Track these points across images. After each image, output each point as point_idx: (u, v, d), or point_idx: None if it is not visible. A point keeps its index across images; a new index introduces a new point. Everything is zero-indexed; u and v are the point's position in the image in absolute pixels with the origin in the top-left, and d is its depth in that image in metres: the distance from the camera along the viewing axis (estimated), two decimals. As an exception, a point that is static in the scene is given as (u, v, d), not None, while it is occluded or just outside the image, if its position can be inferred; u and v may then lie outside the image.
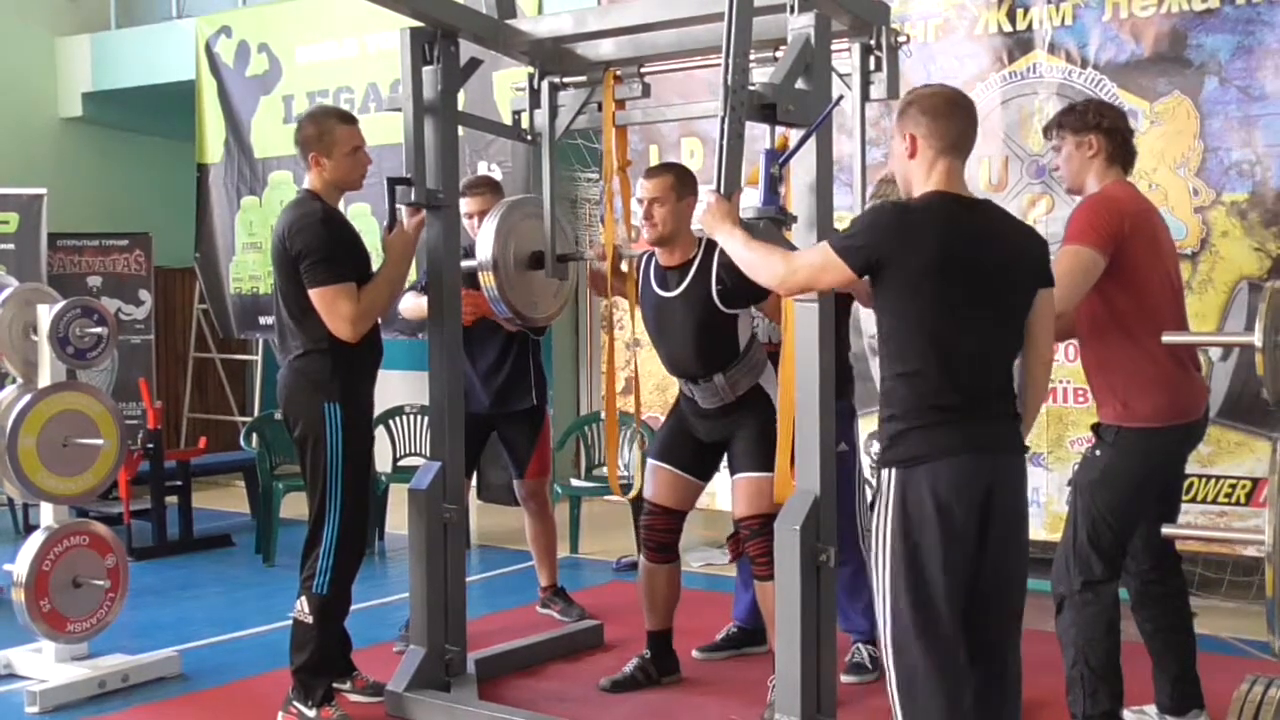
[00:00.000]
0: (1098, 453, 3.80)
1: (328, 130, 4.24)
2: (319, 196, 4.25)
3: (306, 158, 4.26)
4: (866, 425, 5.54)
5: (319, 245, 4.11)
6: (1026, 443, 3.22)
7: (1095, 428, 3.85)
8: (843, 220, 3.76)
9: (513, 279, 4.72)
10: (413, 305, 5.11)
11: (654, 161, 6.96)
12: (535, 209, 4.81)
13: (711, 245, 4.41)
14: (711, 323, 4.42)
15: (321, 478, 4.22)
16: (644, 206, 4.46)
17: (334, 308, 4.11)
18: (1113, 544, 3.79)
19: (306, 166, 4.29)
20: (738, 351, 4.45)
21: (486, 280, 4.65)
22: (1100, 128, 3.84)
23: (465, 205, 5.14)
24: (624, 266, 4.71)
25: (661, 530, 4.66)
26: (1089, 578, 3.77)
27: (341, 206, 4.43)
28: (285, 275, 4.21)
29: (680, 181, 4.48)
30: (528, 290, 4.81)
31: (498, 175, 7.53)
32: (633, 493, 5.21)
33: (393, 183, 4.29)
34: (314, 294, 4.11)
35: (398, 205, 4.34)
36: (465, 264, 4.69)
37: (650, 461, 4.70)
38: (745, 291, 4.27)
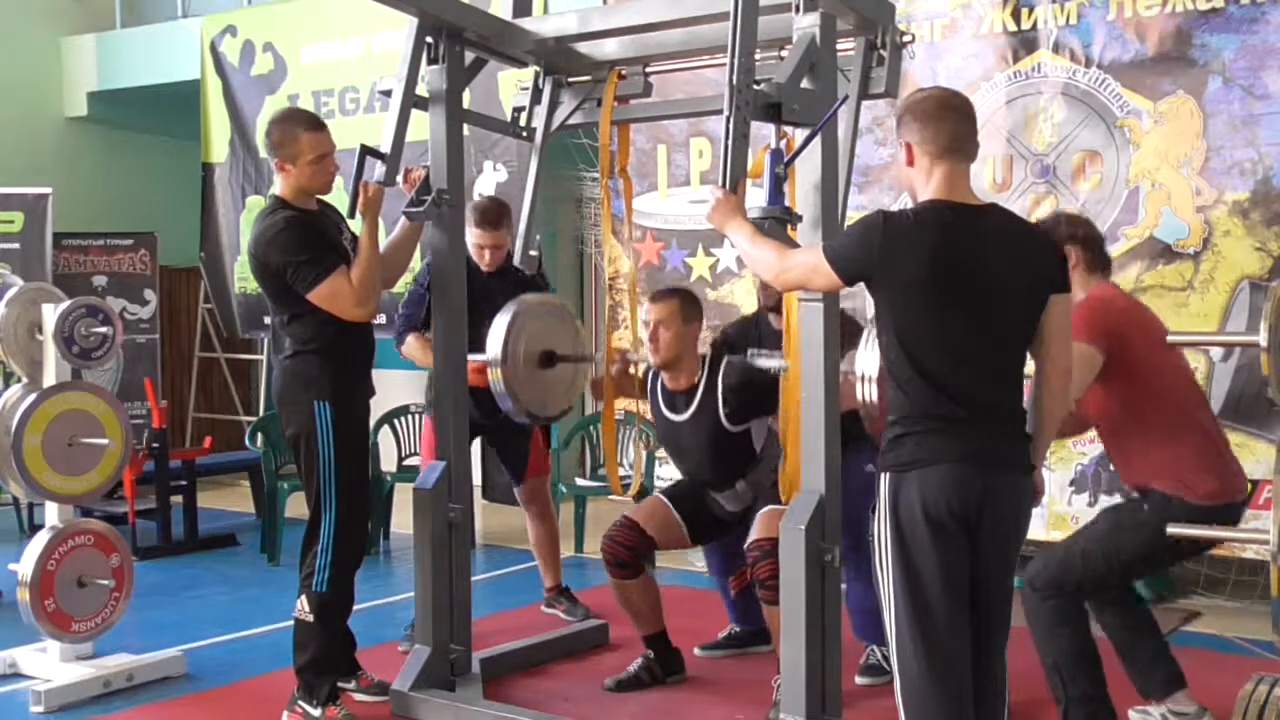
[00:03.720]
0: (1145, 507, 3.80)
1: (291, 139, 4.20)
2: (285, 202, 4.24)
3: (274, 161, 4.25)
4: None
5: (293, 250, 4.10)
6: (1044, 457, 3.20)
7: (1144, 489, 3.85)
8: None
9: (522, 377, 4.72)
10: (415, 350, 5.16)
11: (662, 162, 6.98)
12: (547, 309, 4.84)
13: (716, 366, 4.58)
14: (725, 440, 4.54)
15: (315, 476, 4.23)
16: (649, 330, 4.54)
17: (335, 299, 4.12)
18: (1104, 579, 3.85)
19: (276, 169, 4.28)
20: (755, 455, 4.55)
21: (495, 376, 4.63)
22: (1075, 238, 3.87)
23: (476, 237, 5.13)
24: (630, 371, 4.80)
25: (624, 545, 4.65)
26: (1059, 586, 3.82)
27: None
28: (265, 284, 4.26)
29: (686, 307, 4.57)
30: (538, 388, 4.80)
31: (503, 175, 7.56)
32: (633, 489, 5.23)
33: (365, 151, 4.20)
34: (312, 297, 4.12)
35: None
36: (474, 358, 4.65)
37: (655, 495, 4.75)
38: (753, 408, 4.46)
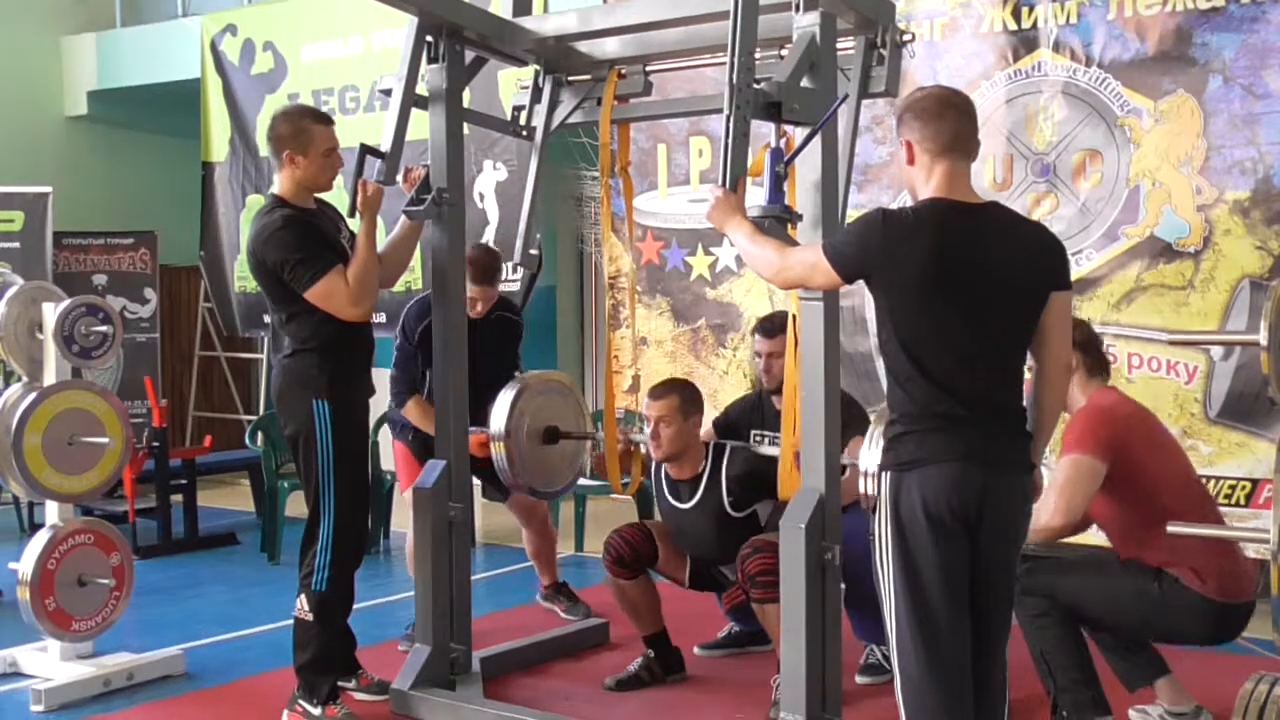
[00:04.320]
0: (1158, 586, 3.77)
1: (304, 129, 4.22)
2: (284, 201, 4.24)
3: (280, 156, 4.24)
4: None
5: (291, 248, 4.10)
6: (1044, 455, 3.19)
7: (1160, 571, 3.82)
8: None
9: (525, 453, 4.78)
10: (418, 416, 5.17)
11: (662, 161, 6.98)
12: (551, 386, 4.89)
13: (719, 454, 4.62)
14: (730, 525, 4.58)
15: (314, 475, 4.23)
16: (650, 425, 4.57)
17: (331, 298, 4.12)
18: (1093, 621, 3.87)
19: (279, 166, 4.27)
20: (760, 528, 4.55)
21: (498, 450, 4.71)
22: (1074, 343, 3.84)
23: (469, 290, 4.96)
24: (633, 448, 4.84)
25: (630, 543, 4.69)
26: (1042, 589, 3.82)
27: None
28: (263, 282, 4.27)
29: (685, 402, 4.60)
30: (541, 464, 4.87)
31: (503, 174, 7.56)
32: (632, 487, 5.23)
33: (365, 150, 4.22)
34: (309, 296, 4.12)
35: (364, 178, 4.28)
36: (475, 431, 4.69)
37: (663, 506, 4.77)
38: (756, 495, 4.52)
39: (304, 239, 4.14)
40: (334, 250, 4.21)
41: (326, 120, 4.31)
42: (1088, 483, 3.69)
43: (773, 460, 4.24)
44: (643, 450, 4.82)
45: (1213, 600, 3.72)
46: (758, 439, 4.71)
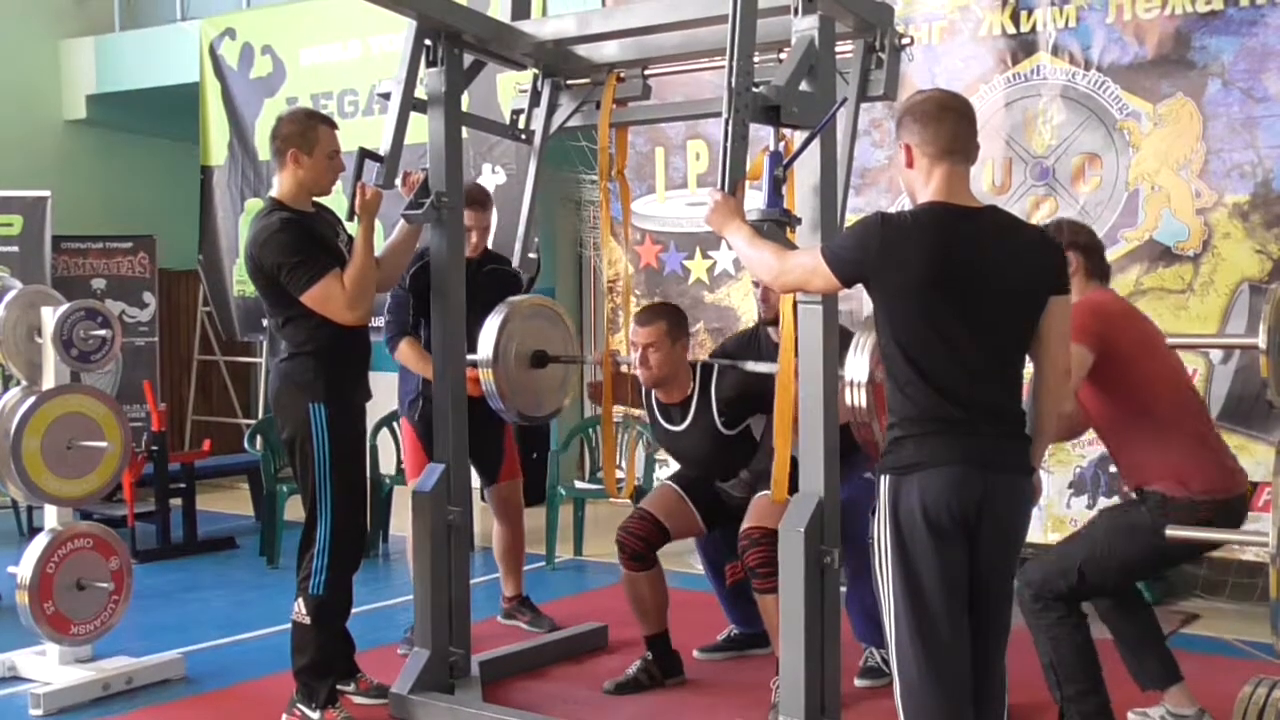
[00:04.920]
0: (1143, 508, 3.80)
1: (310, 129, 4.25)
2: (282, 204, 4.25)
3: (284, 155, 4.24)
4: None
5: (288, 251, 4.11)
6: (1043, 458, 3.19)
7: (1140, 489, 3.85)
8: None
9: (514, 377, 4.77)
10: (411, 356, 5.18)
11: (660, 164, 6.98)
12: (538, 310, 4.87)
13: (707, 375, 4.63)
14: (724, 442, 4.60)
15: (310, 479, 4.23)
16: (639, 352, 4.57)
17: (327, 301, 4.12)
18: (1101, 583, 3.86)
19: (279, 166, 4.28)
20: (756, 443, 4.58)
21: (486, 377, 4.70)
22: (1076, 245, 3.88)
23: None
24: (624, 369, 4.83)
25: (640, 536, 4.69)
26: (1052, 589, 3.82)
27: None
28: (260, 286, 4.28)
29: (673, 326, 4.61)
30: (530, 389, 4.86)
31: (501, 178, 7.56)
32: (627, 490, 5.23)
33: (364, 153, 4.23)
34: (305, 299, 4.12)
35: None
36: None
37: (664, 483, 4.75)
38: (747, 410, 4.54)
39: (301, 242, 4.14)
40: (331, 254, 4.20)
41: (331, 123, 4.34)
42: (1075, 368, 3.61)
43: (761, 377, 4.27)
44: (634, 374, 4.79)
45: (1200, 501, 3.71)
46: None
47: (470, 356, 4.69)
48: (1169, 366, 3.92)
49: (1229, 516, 3.80)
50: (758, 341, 4.88)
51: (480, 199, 5.34)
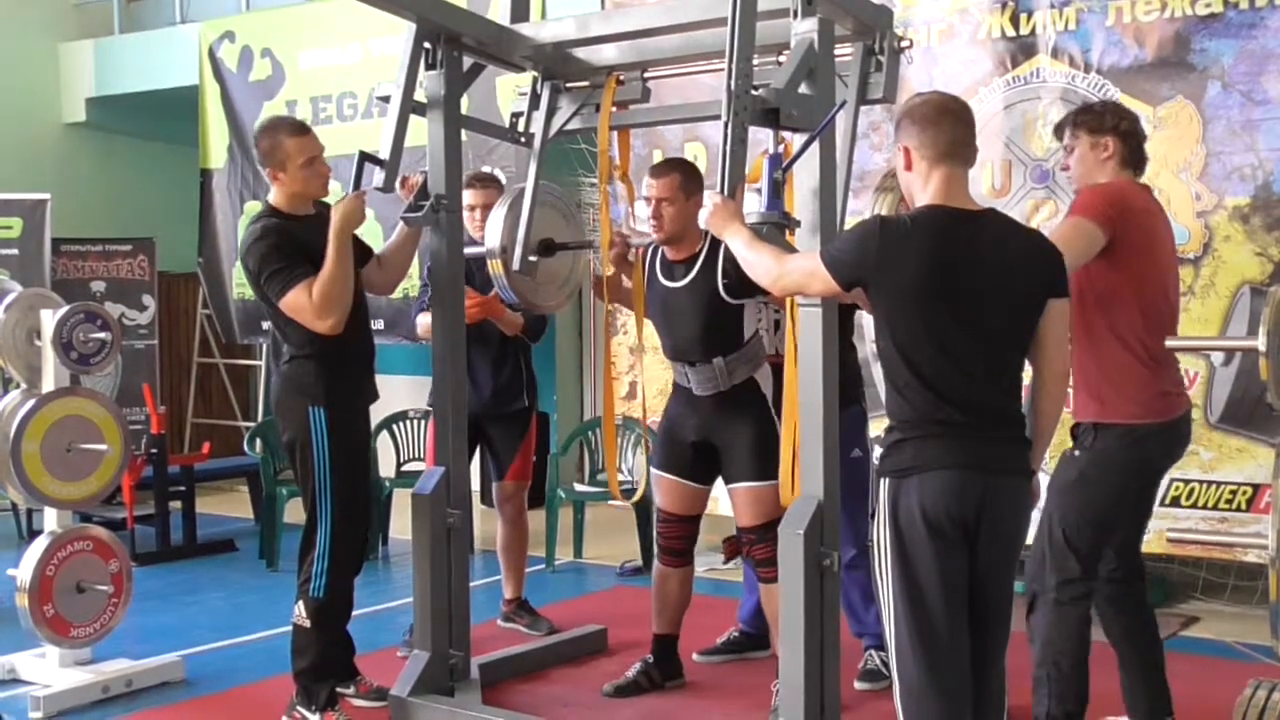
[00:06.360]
0: (1076, 454, 3.76)
1: (278, 144, 4.22)
2: (274, 210, 4.25)
3: (266, 171, 4.27)
4: (877, 428, 5.54)
5: (266, 259, 4.11)
6: (1042, 461, 3.19)
7: (1074, 429, 3.81)
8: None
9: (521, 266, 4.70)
10: (426, 327, 5.13)
11: (657, 166, 6.97)
12: (545, 196, 4.78)
13: (717, 238, 4.44)
14: (717, 312, 4.45)
15: (311, 482, 4.24)
16: (651, 206, 4.47)
17: (298, 311, 4.12)
18: (1091, 544, 3.75)
19: (269, 178, 4.30)
20: (741, 342, 4.48)
21: (495, 268, 4.60)
22: (1117, 130, 3.79)
23: (468, 198, 5.12)
24: (631, 257, 4.70)
25: (676, 536, 4.68)
26: (1065, 576, 3.74)
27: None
28: (255, 290, 4.29)
29: (687, 180, 4.49)
30: (537, 278, 4.76)
31: (501, 180, 7.55)
32: (635, 496, 5.21)
33: (364, 156, 4.21)
34: (282, 307, 4.14)
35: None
36: (472, 250, 4.66)
37: (653, 471, 4.72)
38: (750, 283, 4.28)
39: (279, 250, 4.13)
40: (313, 261, 4.15)
41: (301, 130, 4.31)
42: (1084, 243, 3.56)
43: None
44: (639, 252, 4.72)
45: (1152, 423, 3.66)
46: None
47: (475, 250, 4.66)
48: (1159, 276, 3.79)
49: (1164, 441, 3.76)
50: None
51: (481, 176, 5.37)
